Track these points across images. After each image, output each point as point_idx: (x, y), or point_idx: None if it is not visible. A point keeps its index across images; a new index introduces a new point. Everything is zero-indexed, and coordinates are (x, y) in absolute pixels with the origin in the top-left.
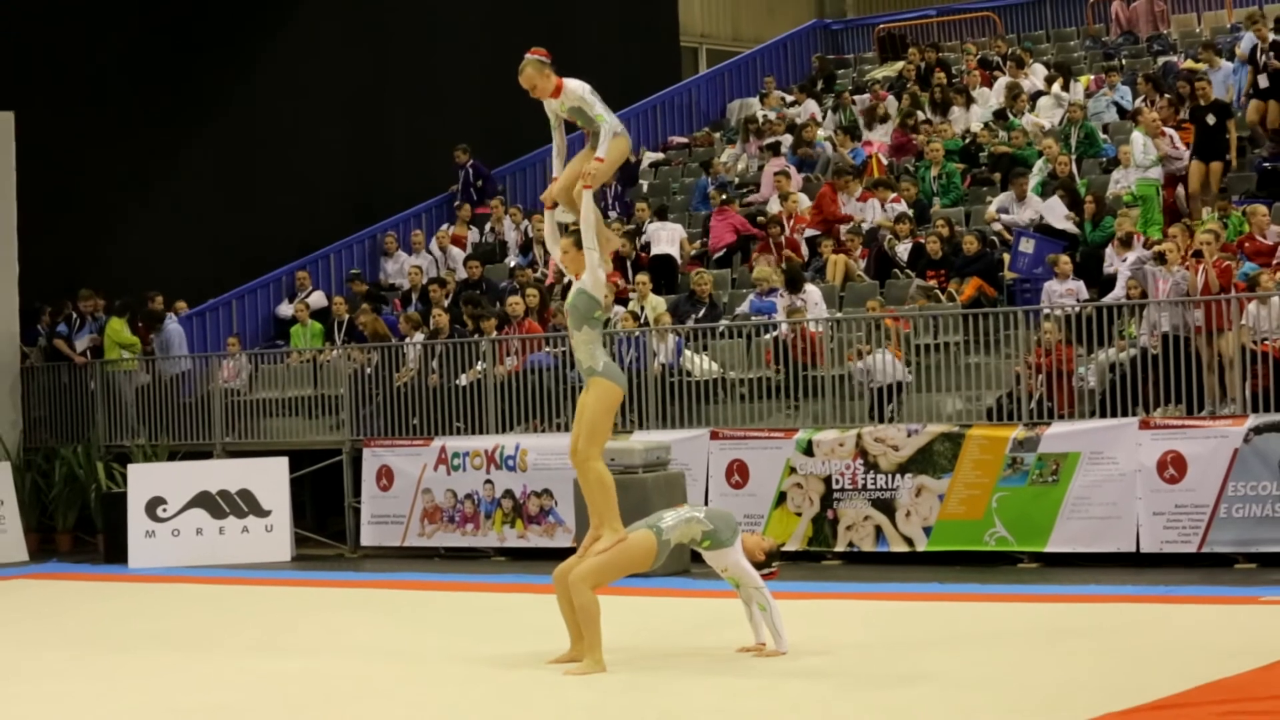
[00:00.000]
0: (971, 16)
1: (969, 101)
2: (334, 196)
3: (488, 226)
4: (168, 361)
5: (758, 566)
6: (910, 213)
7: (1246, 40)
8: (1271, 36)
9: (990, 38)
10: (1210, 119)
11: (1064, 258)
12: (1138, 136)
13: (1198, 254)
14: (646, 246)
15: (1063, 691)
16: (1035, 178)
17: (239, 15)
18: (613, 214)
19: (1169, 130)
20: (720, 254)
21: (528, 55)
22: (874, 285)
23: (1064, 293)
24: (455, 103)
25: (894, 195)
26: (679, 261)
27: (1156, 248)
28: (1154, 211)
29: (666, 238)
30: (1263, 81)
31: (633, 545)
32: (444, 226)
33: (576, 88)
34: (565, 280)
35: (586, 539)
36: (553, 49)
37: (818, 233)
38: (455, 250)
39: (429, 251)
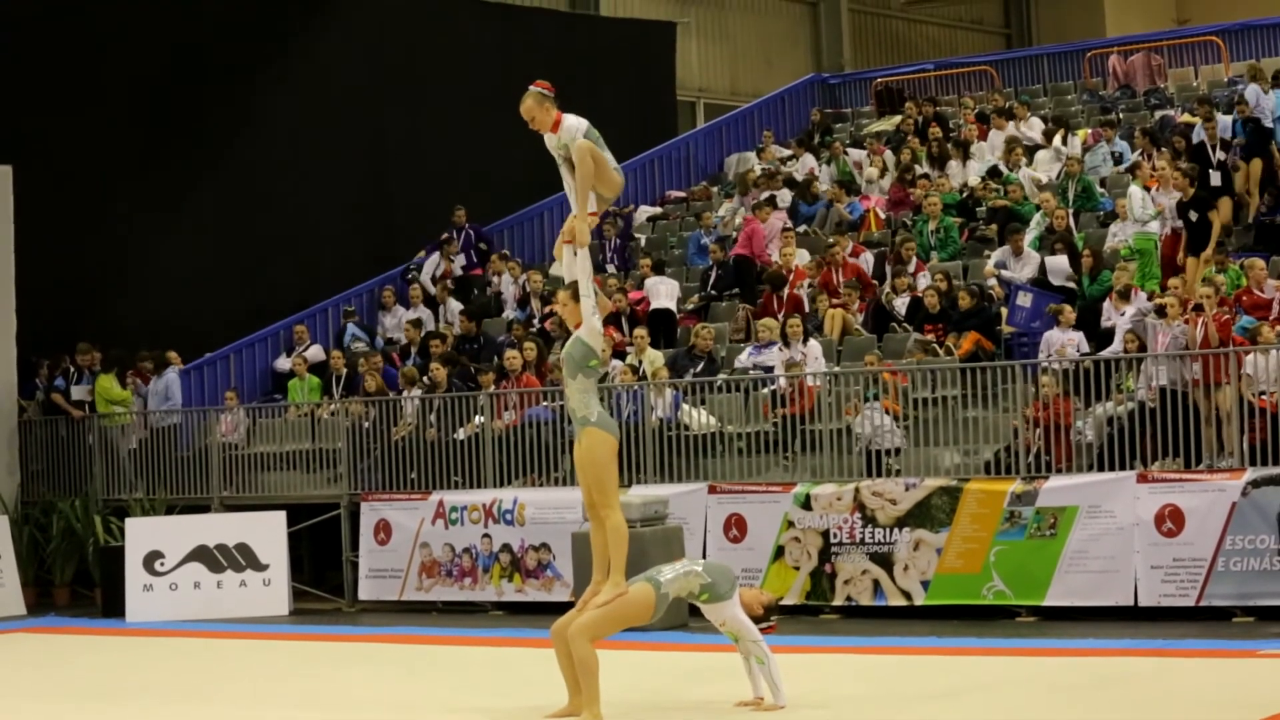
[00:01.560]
0: (969, 70)
1: (965, 156)
2: (332, 251)
3: (487, 279)
4: (161, 412)
5: (756, 621)
6: (908, 267)
7: (1251, 91)
8: (1220, 134)
9: (988, 91)
10: (1193, 215)
11: (1067, 307)
12: (1135, 191)
13: (1198, 308)
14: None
15: None
16: (1032, 231)
17: (239, 71)
18: (610, 267)
19: (1173, 193)
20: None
21: (531, 87)
22: (872, 339)
23: (1065, 342)
24: (455, 157)
25: (892, 254)
26: (677, 315)
27: (1157, 300)
28: (1152, 265)
29: (665, 292)
30: (1215, 179)
31: (631, 598)
32: (437, 266)
33: (572, 128)
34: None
35: (587, 592)
36: None
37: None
38: (454, 304)
39: (425, 305)
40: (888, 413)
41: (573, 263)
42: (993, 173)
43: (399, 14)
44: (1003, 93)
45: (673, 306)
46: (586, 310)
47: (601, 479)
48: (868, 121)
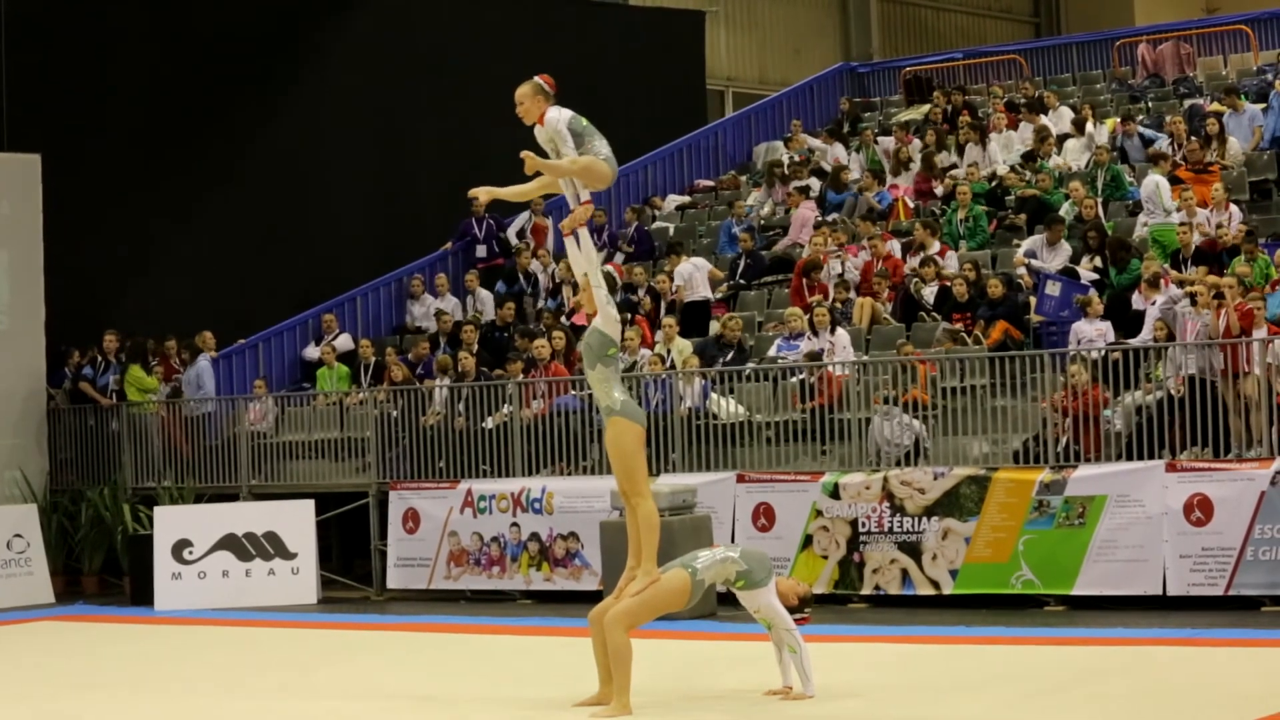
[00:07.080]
0: (997, 59)
1: (984, 141)
2: (360, 240)
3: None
4: (193, 401)
5: (790, 610)
6: (937, 256)
7: None
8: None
9: (1017, 80)
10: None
11: (1094, 297)
12: (1151, 180)
13: (1219, 296)
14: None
15: None
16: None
17: (267, 59)
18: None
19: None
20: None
21: (535, 77)
22: (900, 328)
23: (1093, 334)
24: (481, 146)
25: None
26: (712, 299)
27: (1187, 289)
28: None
29: (700, 280)
30: None
31: (666, 585)
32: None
33: (554, 120)
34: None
35: (622, 579)
36: (579, 92)
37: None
38: (483, 292)
39: (453, 295)
40: (909, 407)
41: (577, 254)
42: (1028, 158)
43: (426, 3)
44: (1032, 81)
45: (708, 292)
46: (600, 299)
47: (629, 468)
48: (896, 110)
